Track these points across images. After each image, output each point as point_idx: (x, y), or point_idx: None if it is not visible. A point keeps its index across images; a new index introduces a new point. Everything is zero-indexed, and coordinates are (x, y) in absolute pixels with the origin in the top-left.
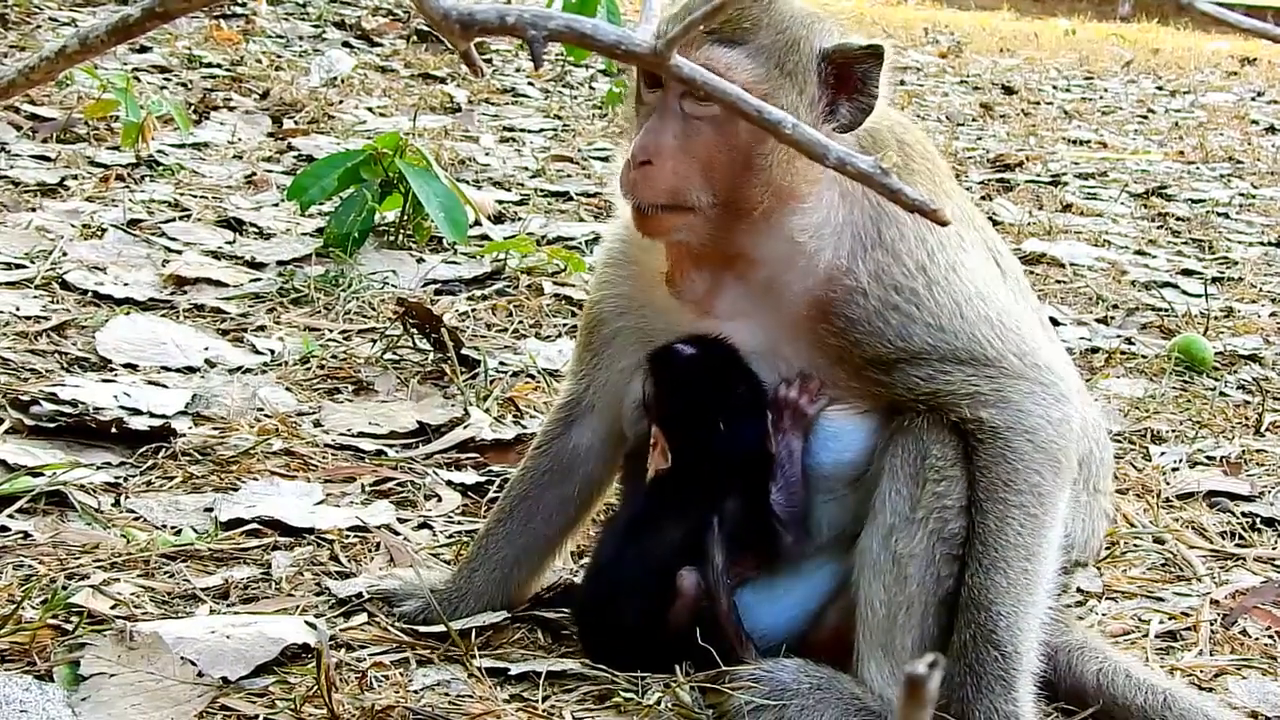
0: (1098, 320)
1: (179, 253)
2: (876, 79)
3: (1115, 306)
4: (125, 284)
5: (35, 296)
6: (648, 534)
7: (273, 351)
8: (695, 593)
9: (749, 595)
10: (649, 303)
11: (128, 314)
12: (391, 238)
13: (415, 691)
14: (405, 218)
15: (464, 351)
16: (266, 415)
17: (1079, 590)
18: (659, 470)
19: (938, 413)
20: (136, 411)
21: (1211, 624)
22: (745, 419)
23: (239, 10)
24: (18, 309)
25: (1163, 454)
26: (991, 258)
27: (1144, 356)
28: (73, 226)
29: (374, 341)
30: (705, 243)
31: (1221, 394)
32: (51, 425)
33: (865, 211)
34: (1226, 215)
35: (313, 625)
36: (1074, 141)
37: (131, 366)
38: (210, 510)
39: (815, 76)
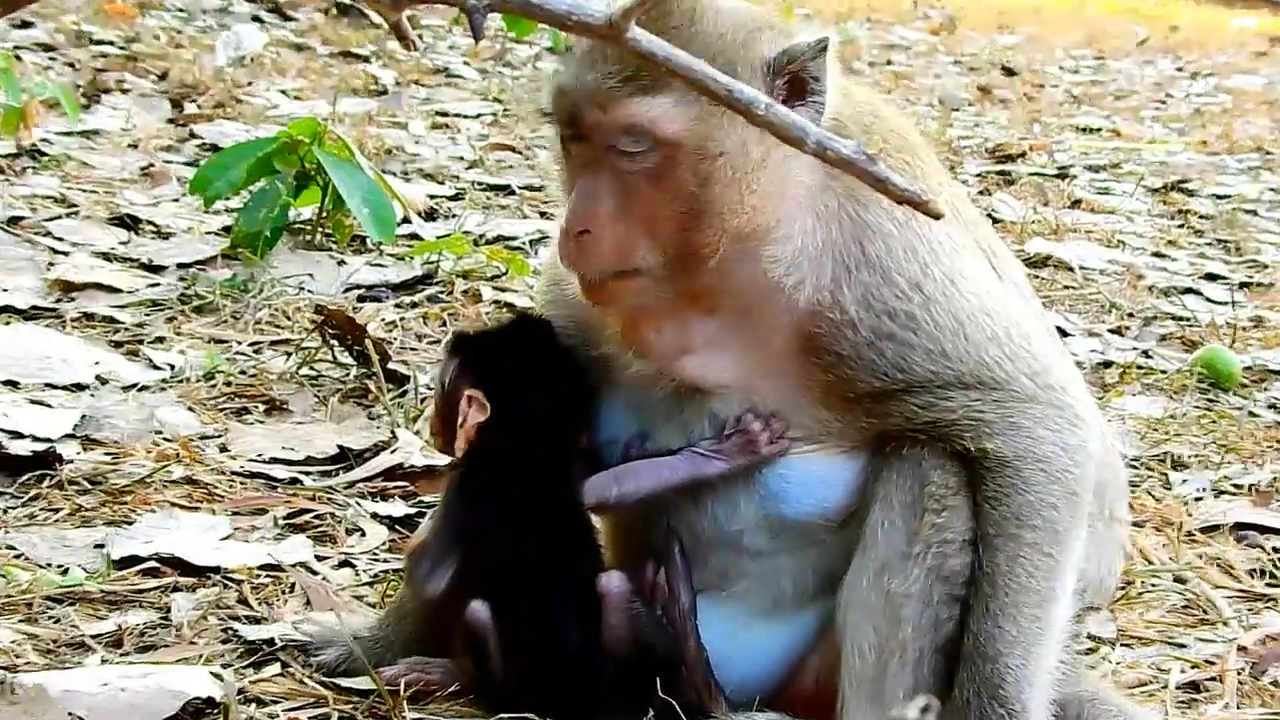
0: (1111, 331)
1: (66, 254)
2: (825, 75)
3: (1131, 315)
4: (4, 290)
5: None
6: (539, 550)
7: (173, 366)
8: (624, 595)
9: (721, 640)
10: (603, 329)
11: (8, 324)
12: (308, 237)
13: None
14: (324, 214)
15: (391, 366)
16: (165, 439)
17: (1090, 636)
18: (479, 424)
19: (940, 440)
20: (17, 434)
21: (1239, 673)
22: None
23: None
24: None
25: (1184, 481)
26: (986, 261)
27: (1163, 372)
28: None
29: (288, 355)
30: (664, 300)
31: (1250, 414)
32: None
33: (845, 229)
34: (1255, 213)
35: (219, 677)
36: (1083, 129)
37: (12, 384)
38: (101, 546)
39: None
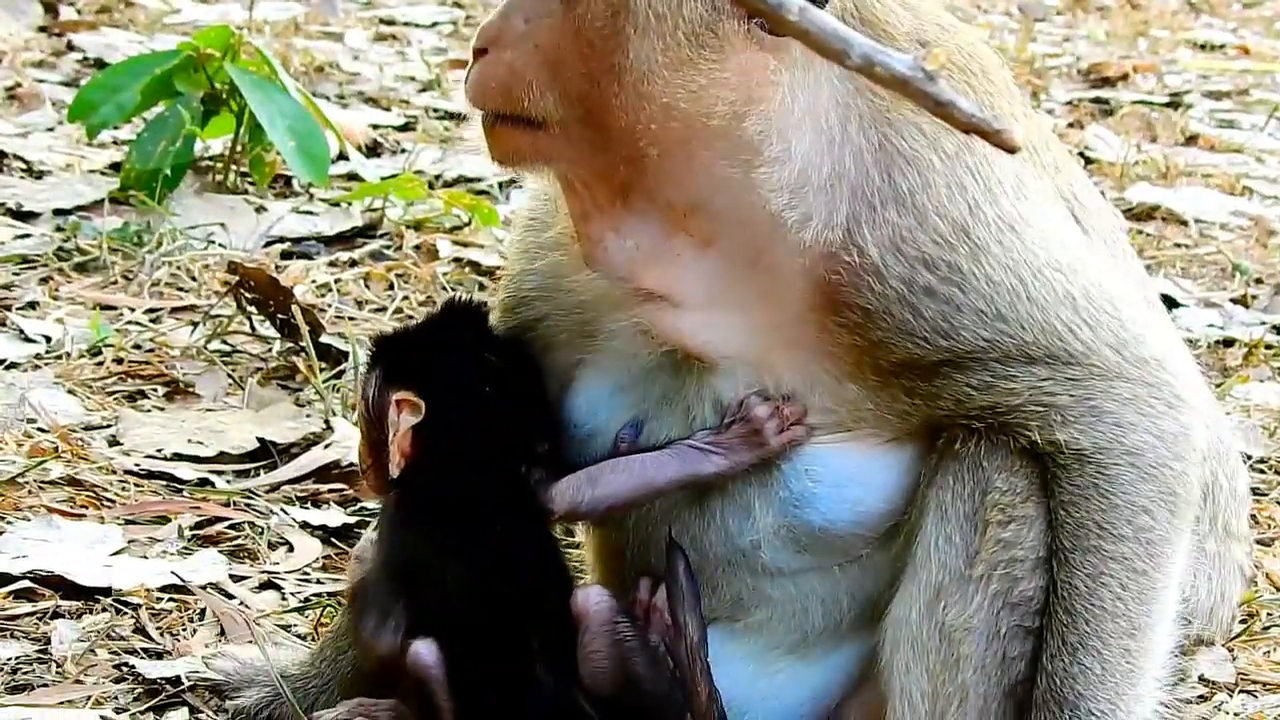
0: (1233, 301)
1: None
2: None
3: (1259, 281)
4: None
5: None
6: (495, 578)
7: (49, 338)
8: (606, 615)
9: (737, 684)
10: (585, 282)
11: None
12: (219, 177)
13: None
14: (239, 149)
15: (324, 339)
16: (41, 429)
17: (1202, 678)
18: (415, 429)
19: (1001, 432)
20: None
21: None
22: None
23: None
24: None
25: None
26: (1068, 210)
27: None
28: None
29: (194, 325)
30: (589, 181)
31: None
32: None
33: (866, 158)
34: None
35: None
36: (1202, 46)
37: None
38: None
39: None
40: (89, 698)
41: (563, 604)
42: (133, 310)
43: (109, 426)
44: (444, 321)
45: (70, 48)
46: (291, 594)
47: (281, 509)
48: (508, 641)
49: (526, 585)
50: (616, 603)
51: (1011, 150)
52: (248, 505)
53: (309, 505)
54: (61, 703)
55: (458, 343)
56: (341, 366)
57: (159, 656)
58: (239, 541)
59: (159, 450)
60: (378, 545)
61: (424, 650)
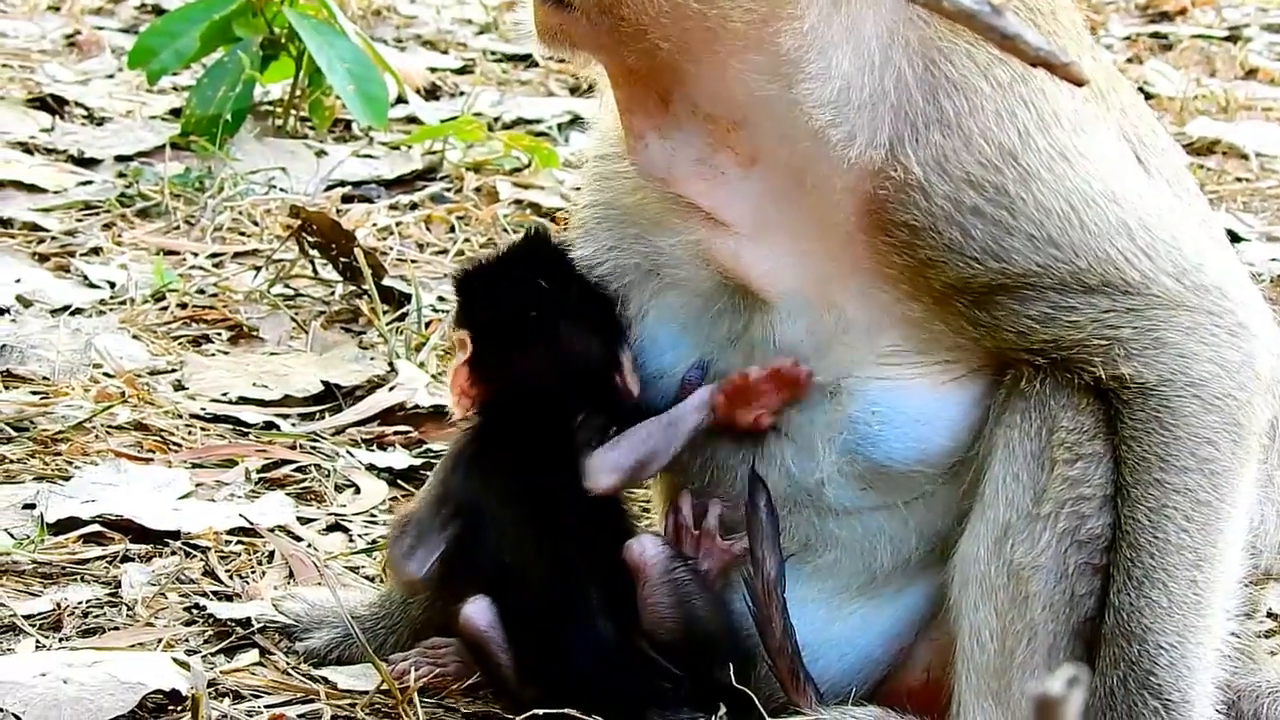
0: None
1: None
2: None
3: None
4: None
5: None
6: (547, 523)
7: (113, 284)
8: (661, 560)
9: (807, 625)
10: (647, 215)
11: None
12: (279, 121)
13: None
14: (298, 93)
15: (386, 282)
16: (107, 374)
17: (1271, 613)
18: (471, 372)
19: (1066, 370)
20: None
21: None
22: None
23: None
24: None
25: None
26: (1131, 151)
27: None
28: None
29: (257, 269)
30: (623, 74)
31: None
32: None
33: (909, 80)
34: None
35: (184, 665)
36: None
37: None
38: (32, 507)
39: None
40: (160, 640)
41: (619, 553)
42: (195, 255)
43: (174, 371)
44: (513, 255)
45: None
46: (359, 536)
47: (347, 451)
48: (565, 594)
49: (585, 536)
50: (670, 548)
51: (1079, 84)
52: (313, 448)
53: (374, 447)
54: (133, 645)
55: (515, 276)
56: (404, 309)
57: (229, 599)
58: (305, 484)
59: (224, 394)
60: (436, 473)
61: (475, 612)
